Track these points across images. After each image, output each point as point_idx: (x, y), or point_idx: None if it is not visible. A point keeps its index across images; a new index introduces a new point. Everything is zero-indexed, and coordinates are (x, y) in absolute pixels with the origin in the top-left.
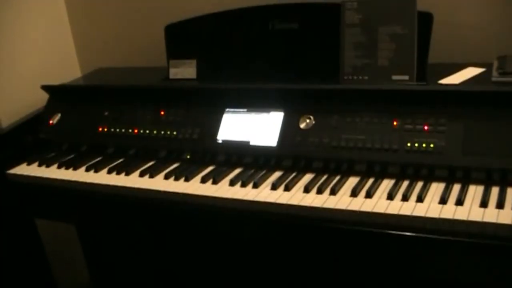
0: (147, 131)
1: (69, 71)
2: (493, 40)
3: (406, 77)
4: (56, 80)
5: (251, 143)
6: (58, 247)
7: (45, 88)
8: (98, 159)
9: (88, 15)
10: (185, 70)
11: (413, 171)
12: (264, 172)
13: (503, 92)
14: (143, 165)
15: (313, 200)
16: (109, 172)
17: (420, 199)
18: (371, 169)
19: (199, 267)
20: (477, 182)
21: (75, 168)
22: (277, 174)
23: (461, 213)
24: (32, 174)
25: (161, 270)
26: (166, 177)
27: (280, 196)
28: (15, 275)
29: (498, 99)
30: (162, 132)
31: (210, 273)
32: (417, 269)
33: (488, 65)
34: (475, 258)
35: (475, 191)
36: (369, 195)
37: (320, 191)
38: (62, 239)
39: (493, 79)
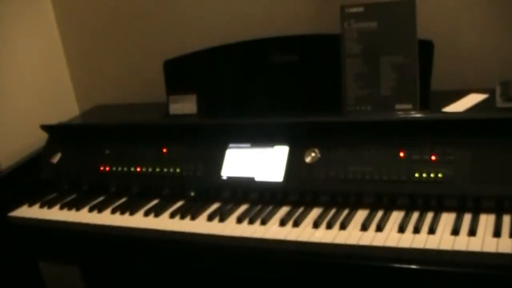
0: (150, 169)
1: (67, 109)
2: (493, 65)
3: (410, 106)
4: (54, 118)
5: (256, 179)
6: None
7: (44, 128)
8: (101, 199)
9: (85, 52)
10: (185, 106)
11: (423, 202)
12: (271, 208)
13: (509, 119)
14: (147, 204)
15: (323, 235)
16: (113, 212)
17: (432, 230)
18: (380, 201)
19: None
20: (488, 211)
21: (77, 209)
22: (284, 210)
23: (475, 244)
24: (34, 216)
25: None
26: (172, 216)
27: (289, 233)
28: None
29: (505, 125)
30: (165, 170)
31: None
32: None
33: (490, 91)
34: None
35: (486, 220)
36: (379, 228)
37: (329, 226)
38: (67, 282)
39: (498, 105)
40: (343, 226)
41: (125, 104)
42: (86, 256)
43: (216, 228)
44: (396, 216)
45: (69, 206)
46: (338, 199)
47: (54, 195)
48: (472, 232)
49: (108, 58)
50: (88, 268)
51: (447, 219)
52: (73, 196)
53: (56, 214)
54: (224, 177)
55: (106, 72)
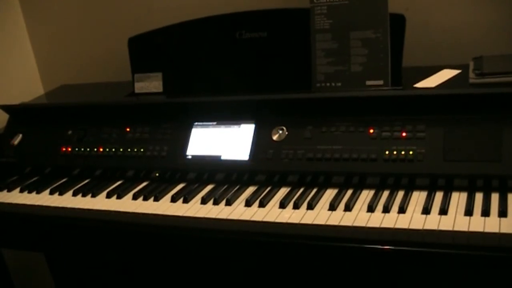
0: (113, 150)
1: (32, 89)
2: (466, 41)
3: (381, 82)
4: (19, 99)
5: (222, 157)
6: (28, 279)
7: (4, 108)
8: (63, 181)
9: (49, 31)
10: (150, 84)
11: (393, 180)
12: (237, 187)
13: (481, 94)
14: (110, 185)
15: (290, 216)
16: (74, 194)
17: (402, 210)
18: (349, 180)
19: None
20: (460, 189)
21: (38, 192)
22: (251, 190)
23: (446, 223)
24: None
25: None
26: (135, 197)
27: (255, 213)
28: None
29: (477, 101)
30: (129, 150)
31: None
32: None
33: (463, 67)
34: (462, 271)
35: (458, 199)
36: (348, 208)
37: (296, 206)
38: (32, 269)
39: (471, 80)
40: (310, 206)
41: (91, 84)
42: (49, 242)
43: (180, 209)
44: (366, 196)
45: (30, 189)
46: (306, 179)
47: (15, 177)
48: (443, 211)
49: (73, 38)
50: (53, 254)
51: (418, 198)
52: (35, 179)
53: (16, 197)
54: (189, 157)
55: (71, 53)
